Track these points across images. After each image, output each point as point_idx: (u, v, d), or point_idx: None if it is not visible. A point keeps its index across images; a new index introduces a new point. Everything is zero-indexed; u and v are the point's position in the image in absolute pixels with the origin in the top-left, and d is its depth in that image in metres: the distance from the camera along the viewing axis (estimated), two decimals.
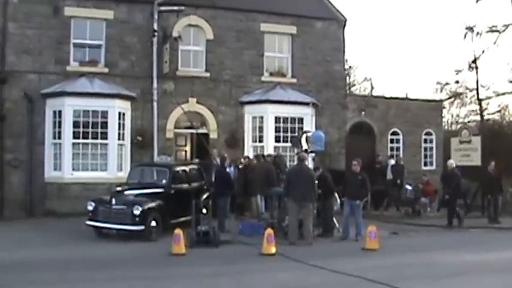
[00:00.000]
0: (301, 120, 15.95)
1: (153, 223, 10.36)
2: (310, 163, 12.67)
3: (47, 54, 14.29)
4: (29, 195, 13.83)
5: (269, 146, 15.55)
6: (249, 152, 15.66)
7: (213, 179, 12.20)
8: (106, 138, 14.17)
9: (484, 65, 42.68)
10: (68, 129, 13.88)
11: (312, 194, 10.31)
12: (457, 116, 27.42)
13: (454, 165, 13.69)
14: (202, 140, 14.26)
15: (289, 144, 15.10)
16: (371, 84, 28.25)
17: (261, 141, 15.81)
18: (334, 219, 11.44)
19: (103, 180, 13.79)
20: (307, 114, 16.05)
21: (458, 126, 22.94)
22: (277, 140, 15.74)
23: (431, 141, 18.74)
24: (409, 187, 16.21)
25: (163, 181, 11.23)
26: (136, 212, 10.11)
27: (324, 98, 17.02)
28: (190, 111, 15.26)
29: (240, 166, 14.04)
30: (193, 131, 15.61)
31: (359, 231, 10.68)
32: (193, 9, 15.51)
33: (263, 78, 16.40)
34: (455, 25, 39.76)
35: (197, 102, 15.62)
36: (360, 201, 10.85)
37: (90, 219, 10.45)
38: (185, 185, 11.68)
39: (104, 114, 14.17)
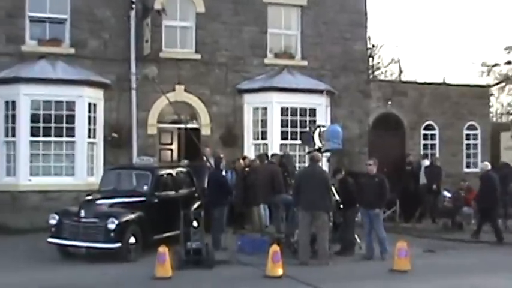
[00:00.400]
0: (313, 112, 16.03)
1: (132, 239, 10.35)
2: (324, 165, 12.67)
3: None
4: None
5: (274, 144, 15.61)
6: (249, 151, 15.77)
7: (206, 185, 12.24)
8: (73, 136, 14.21)
9: None
10: (24, 124, 13.82)
11: (327, 202, 10.34)
12: (509, 105, 27.35)
13: (490, 167, 13.76)
14: (193, 137, 14.26)
15: (298, 141, 15.17)
16: (399, 67, 28.14)
17: (264, 138, 15.90)
18: (356, 234, 11.52)
19: (69, 187, 13.84)
20: (320, 104, 16.08)
21: (510, 118, 22.89)
22: (284, 136, 15.82)
23: (475, 137, 18.81)
24: (447, 194, 16.18)
25: (145, 188, 11.27)
26: (111, 226, 10.09)
27: (342, 85, 17.13)
28: (177, 102, 15.24)
29: (238, 168, 14.06)
30: (181, 126, 15.68)
31: (384, 248, 10.74)
32: None
33: (266, 61, 16.49)
34: None
35: (186, 91, 15.69)
36: (379, 210, 10.89)
37: (53, 236, 10.39)
38: (171, 193, 11.73)
39: (70, 105, 14.20)
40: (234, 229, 13.33)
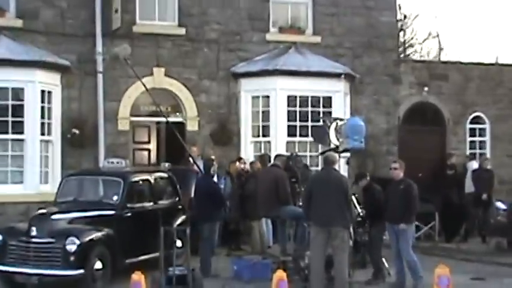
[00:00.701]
0: (328, 102, 16.06)
1: (98, 264, 10.33)
2: (342, 168, 12.64)
3: None
4: None
5: (279, 143, 15.62)
6: (247, 151, 15.85)
7: (193, 194, 12.32)
8: (21, 133, 14.20)
9: None
10: None
11: (347, 216, 10.27)
12: None
13: None
14: (176, 133, 13.83)
15: (310, 139, 15.16)
16: (439, 43, 28.07)
17: (266, 134, 15.94)
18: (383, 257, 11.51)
19: (17, 198, 13.81)
20: (338, 91, 16.11)
21: None
22: (291, 132, 15.84)
23: None
24: (501, 206, 16.16)
25: (115, 198, 11.35)
26: (72, 247, 10.04)
27: (365, 67, 17.19)
28: (155, 89, 15.22)
29: (233, 172, 14.06)
30: (161, 119, 15.72)
31: (417, 274, 10.72)
32: None
33: (269, 37, 16.54)
34: None
35: (166, 75, 15.76)
36: (405, 225, 10.84)
37: None
38: (149, 204, 11.85)
39: (17, 93, 14.20)
40: (228, 250, 13.44)
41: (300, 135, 15.80)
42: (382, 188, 11.69)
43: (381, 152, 16.87)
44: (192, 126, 15.85)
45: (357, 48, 17.12)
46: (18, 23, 14.79)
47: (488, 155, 17.83)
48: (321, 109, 15.89)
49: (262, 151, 15.41)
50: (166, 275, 9.82)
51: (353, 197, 10.98)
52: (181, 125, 15.65)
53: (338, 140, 11.81)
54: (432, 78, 18.11)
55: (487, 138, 18.53)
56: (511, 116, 18.58)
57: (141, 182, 11.93)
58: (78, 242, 10.03)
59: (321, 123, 13.72)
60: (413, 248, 11.07)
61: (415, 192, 10.91)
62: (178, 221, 10.94)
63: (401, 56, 20.84)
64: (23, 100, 14.14)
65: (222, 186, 13.64)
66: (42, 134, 14.46)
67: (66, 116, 14.93)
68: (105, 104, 15.19)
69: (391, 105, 17.51)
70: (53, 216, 10.64)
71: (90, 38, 15.06)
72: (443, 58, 24.69)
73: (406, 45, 26.84)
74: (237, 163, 14.45)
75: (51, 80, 14.73)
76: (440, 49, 26.76)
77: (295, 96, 15.89)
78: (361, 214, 11.43)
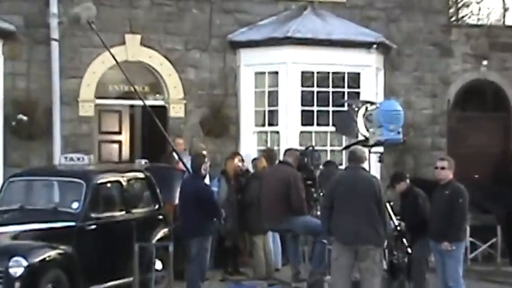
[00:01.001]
0: (355, 80, 16.16)
1: None
2: (374, 168, 12.48)
3: None
4: None
5: (290, 133, 15.72)
6: (249, 144, 16.01)
7: (178, 201, 12.21)
8: None
9: None
10: None
11: (379, 229, 10.21)
12: None
13: None
14: (155, 121, 13.99)
15: (331, 128, 15.30)
16: (503, 1, 27.95)
17: (273, 123, 16.06)
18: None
19: None
20: (368, 66, 16.25)
21: None
22: (306, 120, 15.91)
23: None
24: None
25: (74, 206, 11.25)
26: (17, 270, 9.82)
27: (404, 34, 17.35)
28: (129, 63, 15.38)
29: (230, 172, 14.08)
30: (136, 102, 15.81)
31: None
32: None
33: None
34: None
35: (143, 44, 15.83)
36: (452, 244, 10.74)
37: None
38: (119, 214, 11.77)
39: None
40: (224, 274, 13.43)
41: (318, 124, 15.87)
42: (426, 194, 11.60)
43: (425, 146, 16.97)
44: (176, 111, 15.92)
45: (393, 9, 17.21)
46: None
47: None
48: (346, 89, 15.98)
49: (269, 145, 15.56)
50: None
51: (388, 205, 10.94)
52: (162, 110, 15.73)
53: (368, 130, 11.77)
54: (493, 49, 18.19)
55: None
56: None
57: (109, 185, 11.86)
58: (25, 263, 9.84)
59: (345, 108, 13.87)
60: (467, 273, 11.14)
61: (464, 199, 10.80)
62: (159, 235, 11.15)
63: (453, 19, 20.70)
64: None
65: (216, 189, 13.62)
66: None
67: (9, 97, 14.94)
68: (61, 82, 15.16)
69: (439, 84, 17.61)
70: None
71: None
72: (508, 22, 24.57)
73: (459, 4, 26.74)
74: (235, 160, 14.32)
75: None
76: (505, 9, 26.54)
77: (312, 73, 15.88)
78: (398, 228, 11.32)
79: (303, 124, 15.84)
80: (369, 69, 16.21)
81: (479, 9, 27.72)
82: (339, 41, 16.03)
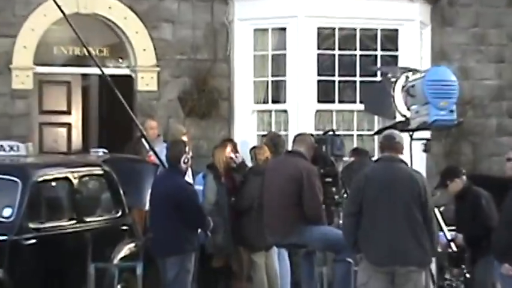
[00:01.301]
0: (392, 39, 16.37)
1: None
2: (417, 161, 12.89)
3: None
4: None
5: (302, 113, 15.95)
6: (245, 128, 16.31)
7: (149, 205, 12.23)
8: None
9: None
10: None
11: (425, 245, 10.16)
12: None
13: None
14: (117, 96, 13.81)
15: (358, 106, 15.58)
16: None
17: (278, 99, 16.35)
18: None
19: None
20: (409, 20, 16.49)
21: None
22: (325, 94, 16.06)
23: None
24: None
25: (6, 214, 11.26)
26: None
27: None
28: (80, 16, 15.65)
29: (220, 165, 14.07)
30: (91, 71, 16.13)
31: None
32: None
33: None
34: None
35: None
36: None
37: None
38: (68, 223, 11.82)
39: None
40: None
41: (341, 101, 16.13)
42: (492, 195, 11.68)
43: (488, 130, 17.30)
44: (146, 83, 16.37)
45: None
46: None
47: None
48: (379, 52, 16.20)
49: (273, 128, 15.83)
50: None
51: (437, 211, 10.85)
52: (127, 81, 16.11)
53: (409, 108, 12.21)
54: None
55: None
56: None
57: (54, 184, 12.04)
58: None
59: (378, 78, 14.58)
60: None
61: None
62: (122, 252, 11.70)
63: None
64: None
65: (201, 188, 13.50)
66: None
67: None
68: None
69: (507, 45, 17.73)
70: None
71: None
72: None
73: None
74: (227, 149, 14.04)
75: None
76: None
77: (333, 29, 16.07)
78: (452, 242, 11.58)
79: (319, 101, 16.05)
80: (411, 24, 16.46)
81: None
82: None
